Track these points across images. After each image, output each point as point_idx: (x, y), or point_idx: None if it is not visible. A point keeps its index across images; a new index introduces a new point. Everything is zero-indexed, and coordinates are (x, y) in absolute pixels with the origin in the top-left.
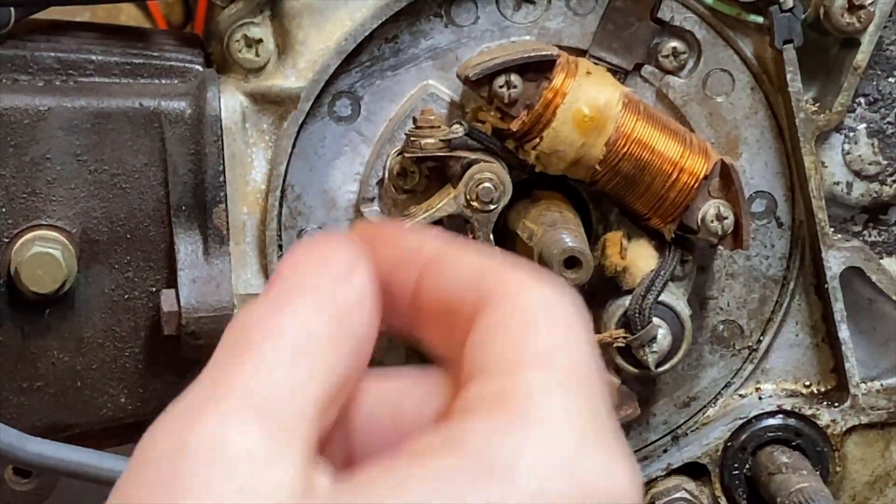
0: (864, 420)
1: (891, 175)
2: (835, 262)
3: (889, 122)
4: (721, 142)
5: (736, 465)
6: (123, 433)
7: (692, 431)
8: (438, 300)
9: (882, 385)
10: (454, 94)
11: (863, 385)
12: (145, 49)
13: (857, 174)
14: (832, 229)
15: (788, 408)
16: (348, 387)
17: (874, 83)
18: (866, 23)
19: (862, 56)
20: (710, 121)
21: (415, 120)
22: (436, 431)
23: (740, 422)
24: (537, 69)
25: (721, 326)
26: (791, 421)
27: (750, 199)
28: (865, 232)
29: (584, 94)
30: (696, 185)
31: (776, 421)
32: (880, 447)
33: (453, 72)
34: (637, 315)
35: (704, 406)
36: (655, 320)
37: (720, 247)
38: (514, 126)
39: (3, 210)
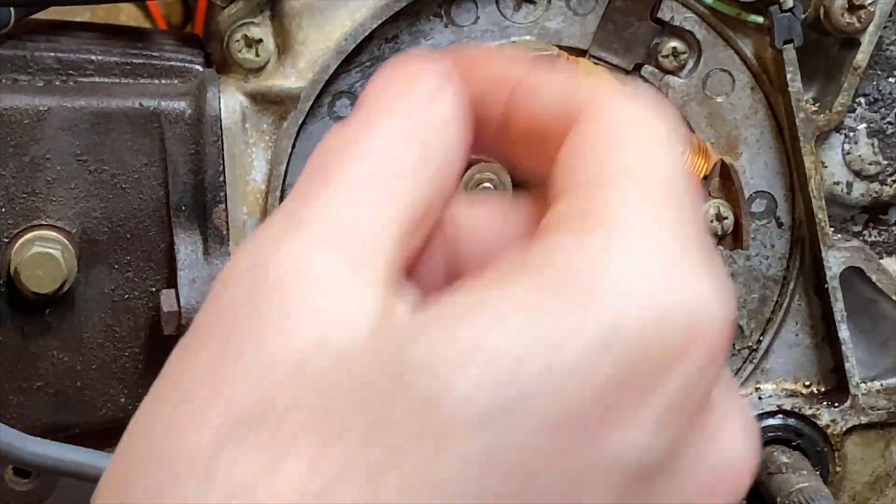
0: (864, 420)
1: (891, 175)
2: (835, 262)
3: (889, 122)
4: (721, 142)
5: None
6: (123, 433)
7: None
8: (529, 121)
9: (882, 385)
10: None
11: (863, 385)
12: (145, 49)
13: (857, 174)
14: (832, 229)
15: (788, 408)
16: (435, 212)
17: (874, 83)
18: (866, 23)
19: (862, 56)
20: (710, 121)
21: None
22: (517, 253)
23: None
24: None
25: None
26: (791, 421)
27: (750, 199)
28: (865, 232)
29: None
30: (696, 185)
31: (776, 421)
32: (880, 447)
33: None
34: None
35: None
36: None
37: (720, 247)
38: None
39: (3, 210)
